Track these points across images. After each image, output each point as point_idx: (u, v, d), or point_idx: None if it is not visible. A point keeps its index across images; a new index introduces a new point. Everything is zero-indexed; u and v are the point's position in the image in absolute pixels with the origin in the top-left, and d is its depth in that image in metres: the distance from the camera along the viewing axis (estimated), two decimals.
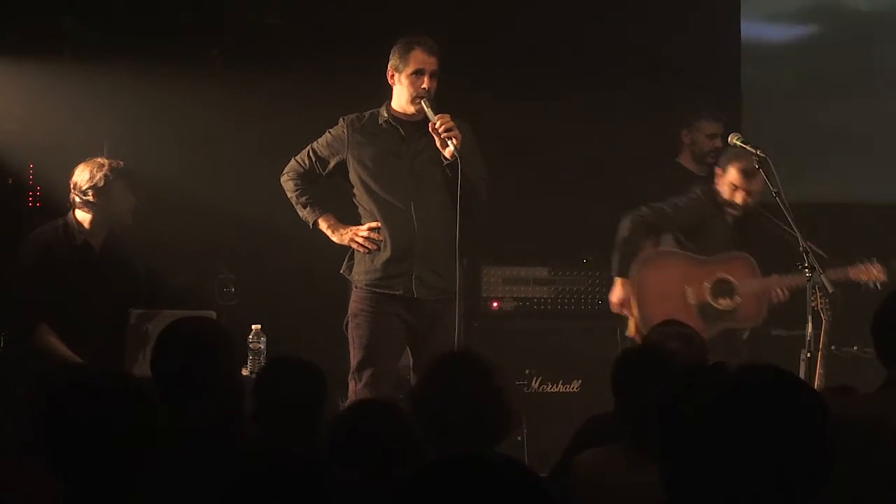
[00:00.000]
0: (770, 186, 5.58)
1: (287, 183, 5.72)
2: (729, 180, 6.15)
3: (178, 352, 3.58)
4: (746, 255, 6.14)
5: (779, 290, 6.09)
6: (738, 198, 6.15)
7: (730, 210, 6.21)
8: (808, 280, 5.42)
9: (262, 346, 5.77)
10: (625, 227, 6.18)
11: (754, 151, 5.68)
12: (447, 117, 5.41)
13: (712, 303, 6.05)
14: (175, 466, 3.19)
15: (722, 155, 6.26)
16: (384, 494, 2.06)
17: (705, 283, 6.08)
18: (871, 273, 5.97)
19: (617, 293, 6.13)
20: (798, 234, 5.45)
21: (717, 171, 6.25)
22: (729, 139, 5.90)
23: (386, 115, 5.60)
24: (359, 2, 7.04)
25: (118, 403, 2.79)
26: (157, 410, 2.86)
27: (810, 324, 5.39)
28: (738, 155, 6.01)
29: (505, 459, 1.91)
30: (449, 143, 5.37)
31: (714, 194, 6.24)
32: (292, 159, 5.73)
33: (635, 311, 6.07)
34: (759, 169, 5.67)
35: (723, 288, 6.09)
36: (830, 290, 5.46)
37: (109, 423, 2.75)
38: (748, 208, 6.17)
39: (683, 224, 6.25)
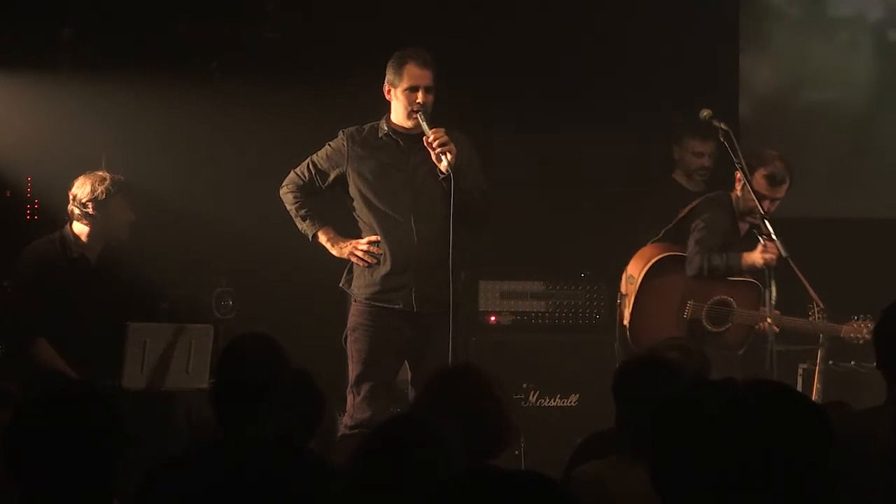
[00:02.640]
0: (733, 158, 5.63)
1: (286, 195, 5.72)
2: (757, 187, 5.85)
3: (247, 365, 3.64)
4: (756, 283, 5.89)
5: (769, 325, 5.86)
6: (766, 206, 5.84)
7: (750, 219, 5.99)
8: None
9: None
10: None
11: (719, 125, 5.69)
12: (441, 131, 5.41)
13: (704, 323, 6.00)
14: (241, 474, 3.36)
15: (753, 159, 5.93)
16: None
17: (706, 303, 5.95)
18: (862, 331, 5.80)
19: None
20: (766, 219, 5.57)
21: (738, 175, 5.93)
22: (700, 113, 5.82)
23: (386, 128, 5.60)
24: (358, 15, 7.05)
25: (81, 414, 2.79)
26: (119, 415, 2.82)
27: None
28: (763, 161, 5.88)
29: (530, 473, 1.92)
30: (443, 157, 5.37)
31: (730, 203, 6.05)
32: (292, 172, 5.72)
33: (629, 307, 6.01)
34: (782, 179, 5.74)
35: (719, 311, 5.97)
36: (784, 254, 5.49)
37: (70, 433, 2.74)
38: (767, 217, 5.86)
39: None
